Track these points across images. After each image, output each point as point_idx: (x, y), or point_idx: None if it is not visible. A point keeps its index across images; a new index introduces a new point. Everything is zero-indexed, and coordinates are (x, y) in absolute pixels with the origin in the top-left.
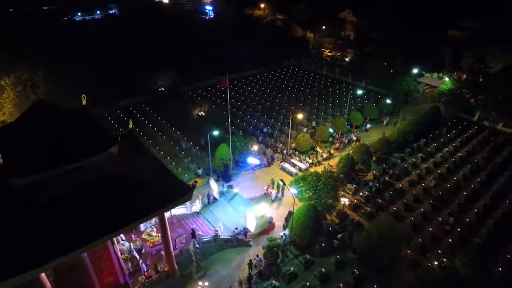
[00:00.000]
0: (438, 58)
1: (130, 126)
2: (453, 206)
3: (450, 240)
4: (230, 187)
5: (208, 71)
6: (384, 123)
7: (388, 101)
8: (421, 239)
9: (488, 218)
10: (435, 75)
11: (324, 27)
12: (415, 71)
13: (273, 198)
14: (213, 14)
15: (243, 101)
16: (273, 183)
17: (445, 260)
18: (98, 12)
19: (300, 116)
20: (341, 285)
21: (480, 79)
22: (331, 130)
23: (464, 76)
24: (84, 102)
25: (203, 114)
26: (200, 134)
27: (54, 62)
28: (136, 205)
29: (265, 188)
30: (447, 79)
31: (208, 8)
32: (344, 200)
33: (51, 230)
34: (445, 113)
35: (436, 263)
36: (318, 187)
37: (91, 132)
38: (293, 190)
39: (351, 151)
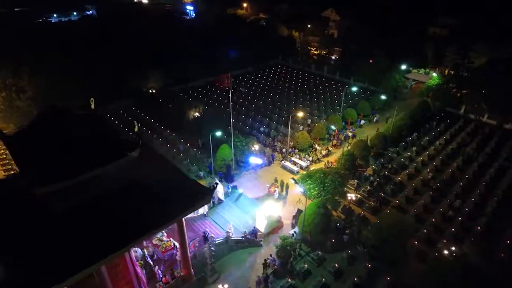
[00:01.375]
0: (422, 55)
1: (136, 129)
2: (451, 197)
3: (453, 229)
4: (235, 187)
5: (197, 71)
6: (375, 120)
7: (383, 97)
8: (425, 229)
9: (485, 206)
10: (422, 70)
11: (309, 26)
12: (403, 67)
13: (276, 198)
14: (194, 14)
15: (236, 101)
16: (276, 182)
17: (453, 248)
18: (74, 13)
19: (300, 114)
20: (355, 279)
21: (464, 74)
22: (332, 127)
23: (447, 71)
24: (92, 106)
25: (198, 115)
26: (197, 136)
27: (39, 66)
28: (156, 211)
29: (268, 186)
30: (434, 74)
31: (189, 8)
32: (351, 196)
33: (72, 241)
34: (434, 107)
35: (446, 252)
36: (326, 184)
37: (110, 136)
38: (300, 188)
39: (349, 147)
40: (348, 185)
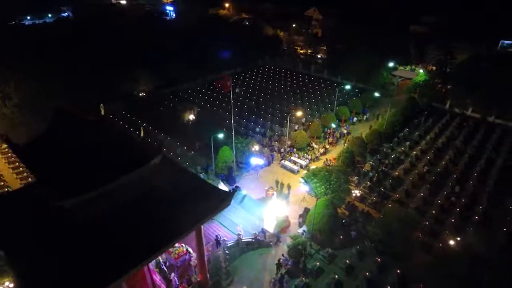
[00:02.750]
0: (406, 53)
1: (142, 134)
2: (447, 189)
3: (452, 220)
4: (238, 189)
5: (186, 72)
6: (365, 118)
7: (376, 94)
8: (427, 222)
9: (479, 196)
10: (408, 67)
11: (294, 25)
12: (391, 64)
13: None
14: (174, 15)
15: (228, 102)
16: (276, 186)
17: (458, 238)
18: (49, 15)
19: (299, 113)
20: (367, 274)
21: (448, 70)
22: (333, 125)
23: (430, 68)
24: (102, 112)
25: (194, 117)
26: (194, 138)
27: (22, 71)
28: (178, 218)
29: (266, 189)
30: (421, 71)
31: (169, 8)
32: (355, 192)
33: (96, 255)
34: (421, 103)
35: (452, 242)
36: (331, 182)
37: (129, 143)
38: (306, 187)
39: (346, 144)
40: (350, 182)
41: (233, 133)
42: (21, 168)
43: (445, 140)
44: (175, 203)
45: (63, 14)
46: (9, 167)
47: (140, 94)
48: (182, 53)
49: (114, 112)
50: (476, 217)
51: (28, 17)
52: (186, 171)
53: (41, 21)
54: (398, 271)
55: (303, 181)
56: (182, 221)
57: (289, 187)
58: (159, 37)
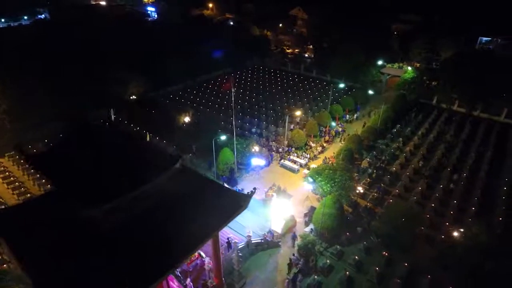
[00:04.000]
0: (391, 51)
1: (148, 139)
2: (443, 182)
3: (451, 212)
4: (241, 191)
5: (175, 74)
6: (355, 116)
7: (370, 92)
8: (428, 215)
9: (474, 188)
10: (396, 65)
11: (281, 25)
12: (379, 62)
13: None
14: (156, 16)
15: (221, 103)
16: (274, 186)
17: (462, 230)
18: (25, 17)
19: (298, 113)
20: (377, 268)
21: (434, 66)
22: (333, 124)
23: (416, 65)
24: (112, 117)
25: (190, 120)
26: (191, 141)
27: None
28: (199, 223)
29: (266, 191)
30: (409, 68)
31: (151, 9)
32: (359, 189)
33: (121, 264)
34: (409, 99)
35: (456, 233)
36: (336, 180)
37: (148, 148)
38: (309, 186)
39: (342, 142)
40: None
41: (234, 134)
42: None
43: (435, 134)
44: (195, 208)
45: (39, 16)
46: (26, 176)
47: (131, 97)
48: (169, 54)
49: (104, 117)
50: (473, 208)
51: (3, 20)
52: (200, 175)
53: (16, 24)
54: (406, 264)
55: (311, 180)
56: (203, 226)
57: (290, 187)
58: (144, 39)
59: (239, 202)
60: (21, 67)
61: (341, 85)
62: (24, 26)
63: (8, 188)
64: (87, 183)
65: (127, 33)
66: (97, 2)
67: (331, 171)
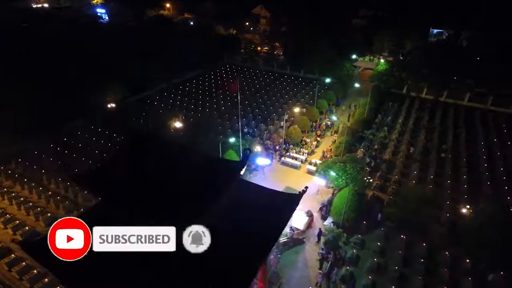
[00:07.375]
0: (356, 45)
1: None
2: (433, 164)
3: (449, 191)
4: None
5: (147, 79)
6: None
7: (357, 85)
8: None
9: (460, 167)
10: (367, 58)
11: (247, 23)
12: (354, 56)
13: None
14: (107, 17)
15: (202, 105)
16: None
17: (468, 207)
18: None
19: (296, 109)
20: (400, 251)
21: (401, 58)
22: (334, 117)
23: (383, 57)
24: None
25: (181, 124)
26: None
27: None
28: (267, 228)
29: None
30: (382, 60)
31: (101, 11)
32: (369, 178)
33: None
34: (383, 90)
35: (464, 210)
36: (348, 171)
37: (206, 158)
38: (321, 181)
39: (335, 135)
40: None
41: (240, 135)
42: None
43: (413, 121)
44: (260, 215)
45: None
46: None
47: (109, 106)
48: (136, 58)
49: (81, 129)
50: (465, 186)
51: None
52: (246, 181)
53: None
54: (424, 244)
55: (323, 173)
56: (269, 230)
57: (297, 183)
58: (103, 44)
59: (294, 201)
60: None
61: (327, 80)
62: None
63: None
64: (152, 202)
65: (81, 38)
66: (41, 5)
67: (341, 164)
